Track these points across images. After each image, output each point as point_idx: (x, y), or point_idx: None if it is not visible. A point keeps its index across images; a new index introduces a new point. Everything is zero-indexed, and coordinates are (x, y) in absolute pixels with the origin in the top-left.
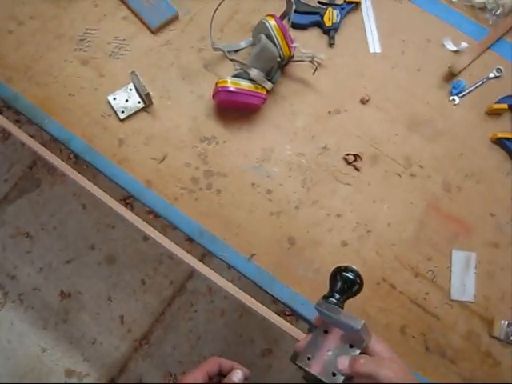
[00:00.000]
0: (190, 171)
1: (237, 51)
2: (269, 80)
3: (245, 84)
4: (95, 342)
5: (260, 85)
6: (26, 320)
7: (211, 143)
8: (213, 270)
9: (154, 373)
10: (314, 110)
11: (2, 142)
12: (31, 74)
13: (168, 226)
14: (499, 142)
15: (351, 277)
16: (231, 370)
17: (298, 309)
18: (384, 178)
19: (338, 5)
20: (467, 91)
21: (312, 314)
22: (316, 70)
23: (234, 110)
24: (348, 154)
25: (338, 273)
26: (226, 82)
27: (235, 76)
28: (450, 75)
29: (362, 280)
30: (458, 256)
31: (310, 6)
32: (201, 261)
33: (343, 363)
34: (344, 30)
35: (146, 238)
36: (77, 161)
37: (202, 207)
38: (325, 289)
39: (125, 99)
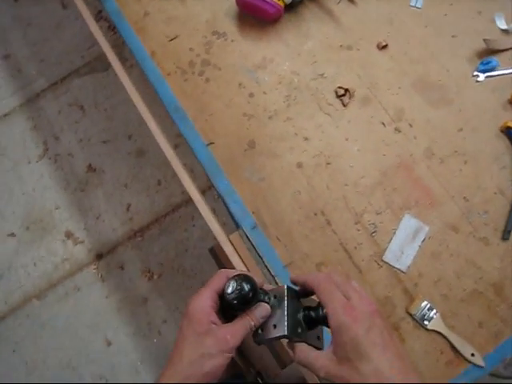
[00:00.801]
0: (191, 55)
1: None
2: None
3: None
4: (99, 217)
5: None
6: (54, 178)
7: (220, 38)
8: None
9: (136, 264)
10: (326, 40)
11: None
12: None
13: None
14: (507, 133)
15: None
16: None
17: (230, 205)
18: (366, 122)
19: None
20: (496, 73)
21: (240, 212)
22: (340, 1)
23: (251, 16)
24: (340, 87)
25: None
26: None
27: None
28: (485, 52)
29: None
30: (408, 222)
31: None
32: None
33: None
34: None
35: (177, 146)
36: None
37: (187, 88)
38: (264, 201)
39: None
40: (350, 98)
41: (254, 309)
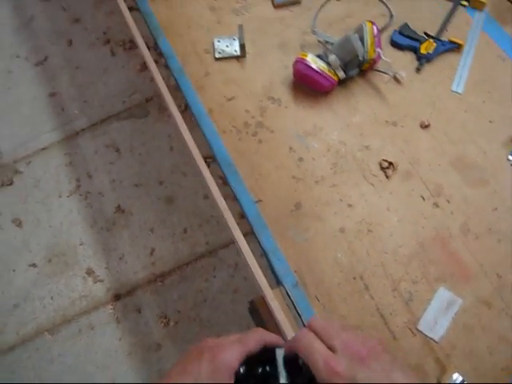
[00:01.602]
0: (246, 117)
1: (327, 42)
2: (343, 70)
3: (321, 64)
4: (122, 258)
5: (334, 70)
6: (82, 214)
7: (274, 103)
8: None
9: (153, 308)
10: (373, 114)
11: (138, 72)
12: (169, 2)
13: (229, 196)
14: None
15: None
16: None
17: (274, 262)
18: (407, 195)
19: (440, 40)
20: None
21: (283, 270)
22: (391, 80)
23: (305, 86)
24: (384, 160)
25: None
26: (306, 55)
27: (316, 55)
28: None
29: None
30: (443, 294)
31: (414, 32)
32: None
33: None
34: (435, 63)
35: (206, 196)
36: (185, 111)
37: (240, 147)
38: (306, 261)
39: (226, 45)
40: (393, 171)
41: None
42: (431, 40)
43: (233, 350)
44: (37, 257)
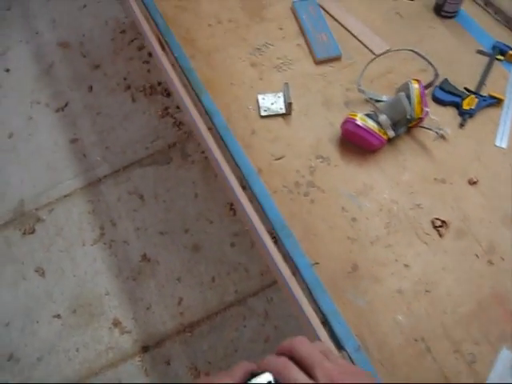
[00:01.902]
0: (297, 176)
1: (377, 101)
2: (393, 130)
3: (371, 123)
4: (150, 308)
5: (384, 129)
6: (107, 263)
7: (323, 162)
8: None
9: (182, 360)
10: (422, 172)
11: (160, 118)
12: (210, 58)
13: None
14: None
15: None
16: None
17: (335, 326)
18: (461, 253)
19: (481, 95)
20: None
21: (344, 334)
22: (436, 139)
23: (353, 144)
24: (437, 219)
25: None
26: (356, 115)
27: (366, 115)
28: None
29: None
30: (506, 356)
31: (455, 88)
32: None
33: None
34: (478, 118)
35: (232, 244)
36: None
37: (293, 207)
38: (367, 324)
39: (271, 102)
40: (445, 230)
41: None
42: (472, 95)
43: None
44: (61, 307)
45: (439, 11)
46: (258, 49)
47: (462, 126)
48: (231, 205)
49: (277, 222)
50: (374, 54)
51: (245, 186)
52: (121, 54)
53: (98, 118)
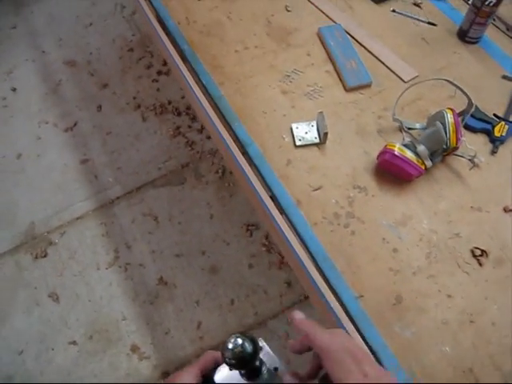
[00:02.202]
0: (336, 207)
1: (410, 129)
2: (430, 159)
3: (409, 154)
4: (168, 333)
5: (422, 160)
6: (123, 287)
7: (361, 192)
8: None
9: None
10: (458, 200)
11: (171, 137)
12: (239, 86)
13: (274, 264)
14: None
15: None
16: None
17: (382, 357)
18: (503, 282)
19: (510, 122)
20: None
21: (393, 367)
22: (473, 167)
23: (389, 173)
24: (476, 248)
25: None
26: (395, 146)
27: (404, 145)
28: None
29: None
30: None
31: (485, 115)
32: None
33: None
34: (509, 145)
35: (251, 265)
36: (223, 177)
37: (334, 239)
38: (414, 356)
39: (305, 131)
40: (485, 259)
41: None
42: (502, 122)
43: (188, 372)
44: (77, 334)
45: (463, 37)
46: (288, 75)
47: (494, 152)
48: (247, 226)
49: (319, 254)
50: (403, 80)
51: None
52: (129, 73)
53: (108, 138)
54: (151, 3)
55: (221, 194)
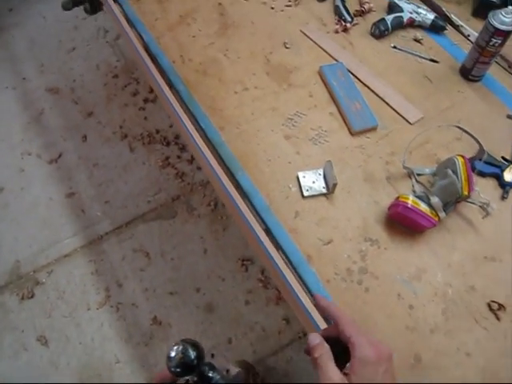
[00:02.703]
0: (348, 262)
1: (419, 175)
2: (443, 210)
3: (423, 206)
4: None
5: (436, 212)
6: (115, 328)
7: (373, 245)
8: None
9: None
10: (472, 251)
11: (161, 168)
12: (240, 130)
13: (271, 300)
14: None
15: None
16: None
17: None
18: None
19: None
20: None
21: None
22: (486, 216)
23: (401, 225)
24: (493, 301)
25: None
26: (408, 199)
27: (417, 197)
28: None
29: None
30: None
31: (495, 159)
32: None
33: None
34: None
35: (247, 302)
36: (215, 209)
37: (348, 297)
38: None
39: (312, 180)
40: (503, 312)
41: None
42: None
43: None
44: (68, 379)
45: (466, 75)
46: (290, 118)
47: (504, 198)
48: (243, 260)
49: None
50: (408, 122)
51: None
52: (115, 100)
53: (94, 170)
54: (142, 38)
55: (214, 228)
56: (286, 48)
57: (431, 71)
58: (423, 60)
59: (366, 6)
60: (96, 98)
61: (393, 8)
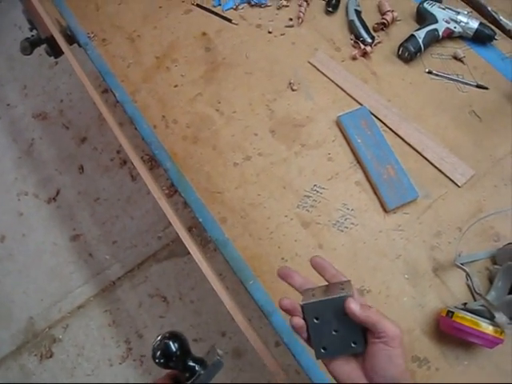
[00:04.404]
0: None
1: (472, 261)
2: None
3: (485, 326)
4: None
5: (501, 329)
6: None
7: (422, 366)
8: None
9: None
10: None
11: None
12: (247, 221)
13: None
14: None
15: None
16: None
17: None
18: None
19: None
20: None
21: None
22: None
23: (455, 337)
24: None
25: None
26: (465, 319)
27: (474, 312)
28: None
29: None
30: None
31: None
32: None
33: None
34: None
35: (277, 343)
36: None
37: None
38: None
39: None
40: None
41: None
42: None
43: None
44: None
45: None
46: (307, 196)
47: None
48: None
49: None
50: (456, 185)
51: None
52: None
53: (96, 206)
54: (114, 96)
55: None
56: (293, 90)
57: (479, 102)
58: (468, 87)
59: (389, 17)
60: (87, 119)
61: (423, 16)
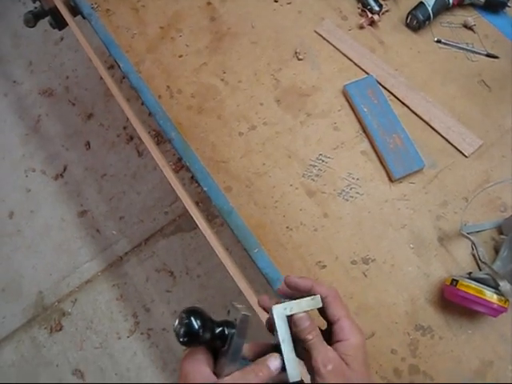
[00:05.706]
0: (395, 360)
1: (478, 231)
2: None
3: (489, 294)
4: None
5: (505, 298)
6: (149, 356)
7: (426, 335)
8: None
9: None
10: None
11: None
12: (252, 189)
13: None
14: None
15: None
16: None
17: None
18: None
19: None
20: None
21: None
22: None
23: (459, 306)
24: None
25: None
26: (470, 287)
27: (479, 281)
28: None
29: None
30: None
31: None
32: None
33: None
34: None
35: None
36: None
37: None
38: None
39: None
40: None
41: (265, 360)
42: None
43: (193, 360)
44: None
45: None
46: (312, 165)
47: None
48: None
49: None
50: (464, 155)
51: None
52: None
53: (103, 182)
54: (119, 67)
55: None
56: (299, 60)
57: (489, 72)
58: (478, 56)
59: None
60: (93, 95)
61: None
